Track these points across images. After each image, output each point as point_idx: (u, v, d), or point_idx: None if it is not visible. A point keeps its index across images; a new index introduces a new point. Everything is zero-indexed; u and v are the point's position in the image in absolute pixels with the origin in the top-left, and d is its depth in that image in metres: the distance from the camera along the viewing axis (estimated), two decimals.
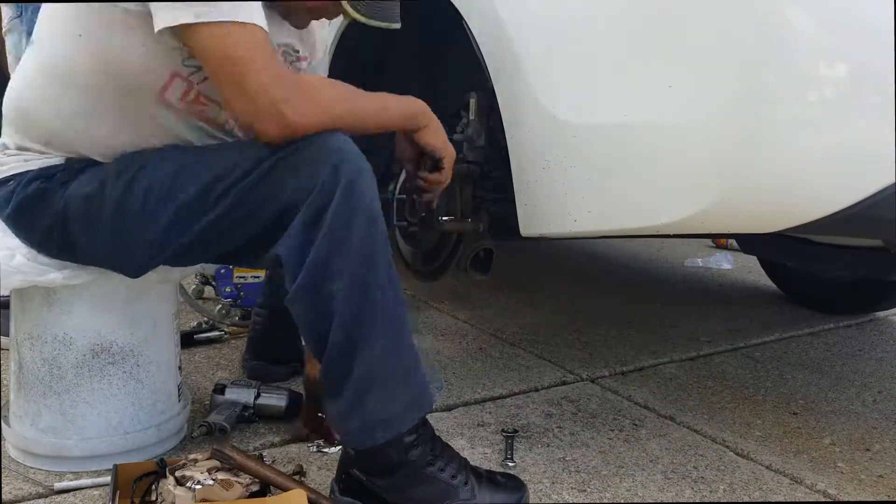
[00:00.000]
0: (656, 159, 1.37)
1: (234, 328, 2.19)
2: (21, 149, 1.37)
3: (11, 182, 1.36)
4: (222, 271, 2.29)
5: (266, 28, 1.21)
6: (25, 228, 1.38)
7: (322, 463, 1.50)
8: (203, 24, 1.16)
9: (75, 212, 1.32)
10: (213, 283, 2.37)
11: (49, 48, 1.32)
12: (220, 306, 2.29)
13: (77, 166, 1.34)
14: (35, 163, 1.35)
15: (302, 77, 1.33)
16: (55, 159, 1.35)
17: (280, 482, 1.28)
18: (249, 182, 1.24)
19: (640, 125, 1.37)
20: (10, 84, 1.37)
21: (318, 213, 1.20)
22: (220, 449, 1.29)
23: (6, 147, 1.39)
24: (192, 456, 1.31)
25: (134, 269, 1.37)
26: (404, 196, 1.85)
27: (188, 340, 2.03)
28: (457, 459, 1.33)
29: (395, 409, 1.26)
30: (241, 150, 1.28)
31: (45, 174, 1.34)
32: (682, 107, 1.32)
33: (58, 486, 1.38)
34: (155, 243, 1.31)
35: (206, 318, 2.24)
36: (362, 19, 1.35)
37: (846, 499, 1.48)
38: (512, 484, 1.36)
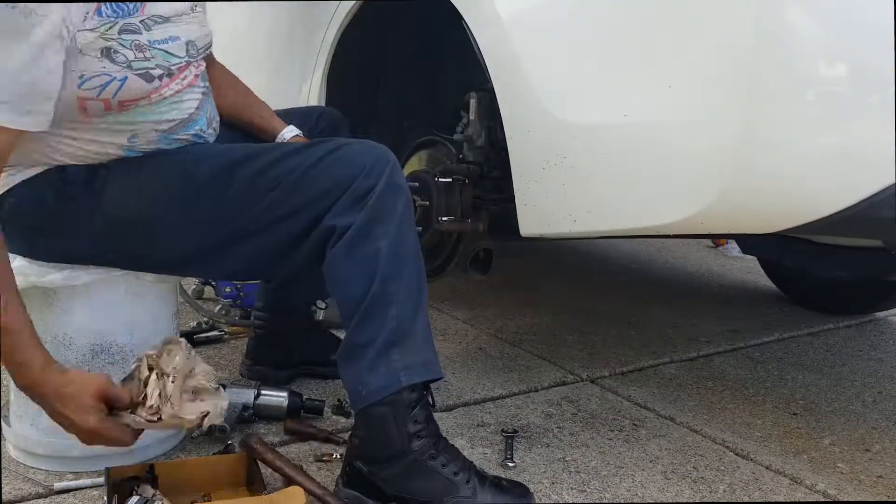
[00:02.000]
0: (656, 159, 1.37)
1: (234, 328, 2.19)
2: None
3: (9, 199, 1.35)
4: None
5: None
6: (36, 241, 1.38)
7: (322, 462, 1.50)
8: None
9: (119, 225, 1.36)
10: (213, 283, 2.37)
11: None
12: (219, 306, 2.29)
13: (74, 173, 1.35)
14: (22, 175, 1.35)
15: None
16: (37, 168, 1.35)
17: (292, 476, 1.33)
18: (297, 176, 1.33)
19: (640, 125, 1.37)
20: None
21: (367, 190, 1.31)
22: (248, 441, 1.39)
23: None
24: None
25: (182, 268, 1.45)
26: None
27: (188, 341, 2.02)
28: (460, 460, 1.34)
29: (416, 359, 1.32)
30: (283, 149, 1.38)
31: (37, 184, 1.35)
32: (682, 107, 1.32)
33: (58, 485, 1.38)
34: (209, 240, 1.37)
35: (206, 319, 2.24)
36: None
37: (846, 499, 1.48)
38: (517, 490, 1.36)
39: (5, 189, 1.36)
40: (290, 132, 1.64)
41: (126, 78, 1.28)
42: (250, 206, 1.34)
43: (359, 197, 1.30)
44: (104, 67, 1.26)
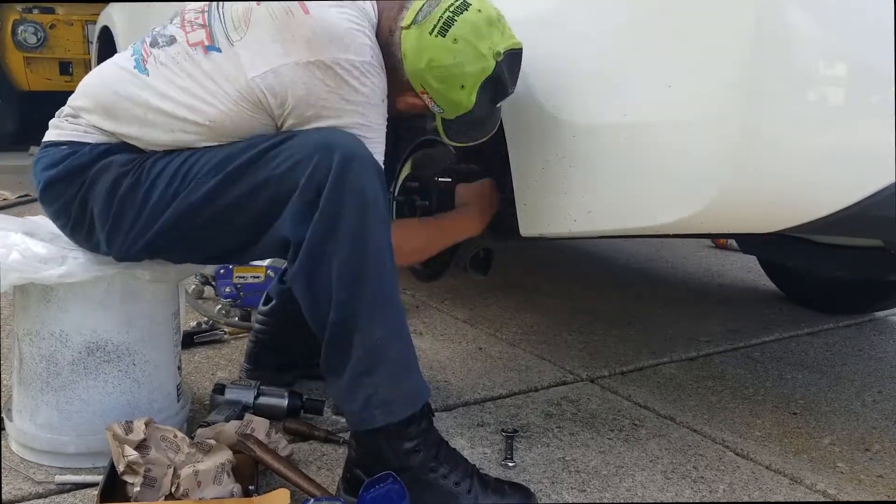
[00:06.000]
0: (656, 159, 1.37)
1: (234, 328, 2.19)
2: (89, 124, 1.39)
3: (65, 147, 1.39)
4: (222, 271, 2.29)
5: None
6: (57, 194, 1.40)
7: (322, 463, 1.50)
8: None
9: (101, 184, 1.35)
10: (213, 283, 2.37)
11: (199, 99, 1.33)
12: (219, 306, 2.29)
13: (124, 146, 1.38)
14: (92, 137, 1.38)
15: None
16: (111, 139, 1.38)
17: (293, 478, 1.34)
18: (248, 166, 1.29)
19: (640, 125, 1.37)
20: (129, 80, 1.37)
21: (315, 193, 1.24)
22: (245, 441, 1.37)
23: (73, 116, 1.41)
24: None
25: (121, 249, 1.38)
26: (403, 197, 1.85)
27: (188, 341, 2.03)
28: (462, 466, 1.33)
29: (393, 394, 1.28)
30: (246, 141, 1.33)
31: (96, 150, 1.37)
32: (682, 106, 1.32)
33: (59, 478, 1.39)
34: (150, 225, 1.34)
35: (205, 318, 2.24)
36: (449, 142, 1.49)
37: (846, 499, 1.48)
38: (520, 493, 1.35)
39: (70, 139, 1.39)
40: None
41: None
42: (193, 198, 1.31)
43: (308, 201, 1.25)
44: None
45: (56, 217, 1.45)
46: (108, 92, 1.38)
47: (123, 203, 1.34)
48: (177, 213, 1.32)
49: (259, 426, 1.44)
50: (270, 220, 1.29)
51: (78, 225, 1.41)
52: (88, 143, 1.38)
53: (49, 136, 1.43)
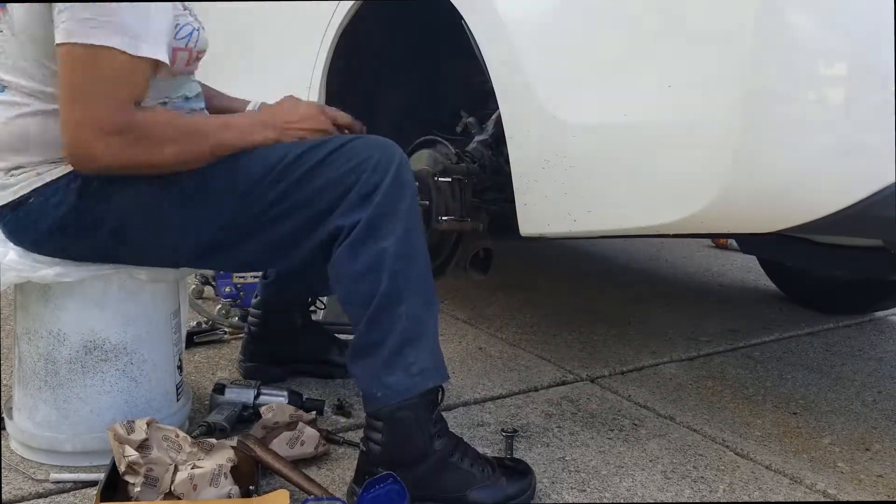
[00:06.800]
0: (656, 159, 1.37)
1: (234, 328, 2.19)
2: (23, 166, 1.36)
3: (32, 199, 1.35)
4: (222, 272, 2.29)
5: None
6: (66, 242, 1.37)
7: (322, 463, 1.50)
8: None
9: (137, 217, 1.35)
10: (213, 283, 2.37)
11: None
12: (219, 306, 2.29)
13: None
14: (50, 174, 1.35)
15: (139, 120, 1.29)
16: (63, 167, 1.34)
17: (294, 479, 1.34)
18: (304, 170, 1.33)
19: (640, 125, 1.37)
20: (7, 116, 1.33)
21: (373, 186, 1.30)
22: (245, 441, 1.37)
23: (8, 170, 1.37)
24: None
25: (187, 259, 1.44)
26: None
27: (188, 341, 2.03)
28: (470, 450, 1.39)
29: (431, 362, 1.33)
30: (291, 146, 1.38)
31: (65, 183, 1.34)
32: (682, 106, 1.32)
33: (53, 476, 1.39)
34: (217, 233, 1.37)
35: (205, 319, 2.23)
36: None
37: (846, 499, 1.48)
38: (521, 467, 1.43)
39: (30, 189, 1.35)
40: (255, 104, 1.69)
41: (200, 28, 1.38)
42: (258, 201, 1.34)
43: (365, 194, 1.30)
44: (187, 17, 1.36)
45: (82, 256, 1.40)
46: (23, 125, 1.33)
47: (185, 219, 1.36)
48: (250, 225, 1.36)
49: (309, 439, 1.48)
50: (319, 221, 1.33)
51: (112, 254, 1.40)
52: (51, 181, 1.33)
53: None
